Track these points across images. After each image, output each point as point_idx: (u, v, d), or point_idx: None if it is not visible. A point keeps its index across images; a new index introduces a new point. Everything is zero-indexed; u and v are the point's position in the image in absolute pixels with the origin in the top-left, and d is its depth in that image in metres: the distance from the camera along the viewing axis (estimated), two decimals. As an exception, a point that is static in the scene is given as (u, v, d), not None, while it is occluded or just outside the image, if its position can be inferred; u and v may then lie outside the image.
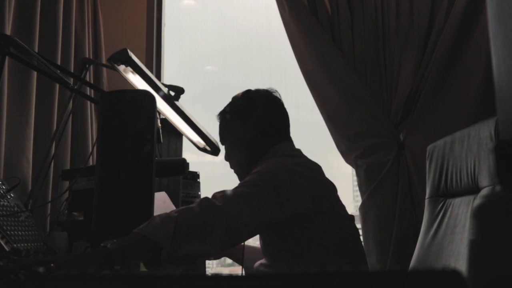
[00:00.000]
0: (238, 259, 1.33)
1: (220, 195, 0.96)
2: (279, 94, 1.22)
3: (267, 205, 0.99)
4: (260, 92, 1.21)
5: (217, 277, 0.34)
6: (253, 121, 1.16)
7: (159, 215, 0.91)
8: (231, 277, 0.34)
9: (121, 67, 1.14)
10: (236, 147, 1.19)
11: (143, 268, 0.96)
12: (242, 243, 1.17)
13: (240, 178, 1.20)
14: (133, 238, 0.87)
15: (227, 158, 1.23)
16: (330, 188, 1.11)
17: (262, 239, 1.12)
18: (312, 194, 1.03)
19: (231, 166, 1.23)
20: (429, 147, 1.14)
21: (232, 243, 1.03)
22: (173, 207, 1.37)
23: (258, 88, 1.22)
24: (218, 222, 0.92)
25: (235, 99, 1.21)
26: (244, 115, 1.16)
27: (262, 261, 1.12)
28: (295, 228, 1.02)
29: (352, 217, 1.13)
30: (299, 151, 1.18)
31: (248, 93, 1.20)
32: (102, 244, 0.87)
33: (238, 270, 1.50)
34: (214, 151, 1.45)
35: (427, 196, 1.13)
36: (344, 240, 1.07)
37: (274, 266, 1.07)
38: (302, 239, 1.03)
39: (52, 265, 0.77)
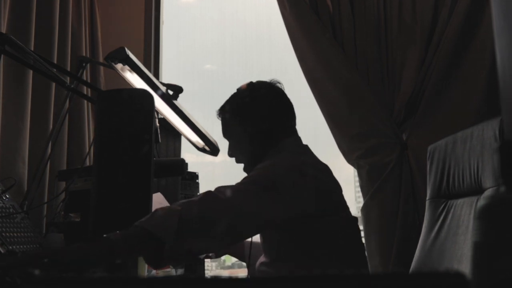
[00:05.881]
0: (239, 256, 1.32)
1: (224, 190, 0.94)
2: (283, 86, 1.19)
3: (269, 204, 0.97)
4: (265, 84, 1.18)
5: (216, 279, 0.34)
6: (260, 114, 1.13)
7: (162, 208, 0.87)
8: (230, 280, 0.34)
9: (119, 66, 1.13)
10: (243, 141, 1.15)
11: (141, 268, 0.94)
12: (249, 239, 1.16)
13: (247, 172, 1.18)
14: (134, 231, 0.83)
15: (232, 153, 1.20)
16: (335, 190, 1.10)
17: (263, 237, 1.11)
18: (317, 196, 1.01)
19: (237, 161, 1.19)
20: (430, 148, 1.14)
21: (235, 240, 1.02)
22: None
23: (260, 80, 1.19)
24: (221, 217, 0.90)
25: (239, 91, 1.18)
26: (251, 107, 1.13)
27: (262, 259, 1.11)
28: (297, 229, 1.01)
29: (355, 219, 1.12)
30: (306, 147, 1.16)
31: (253, 85, 1.17)
32: (104, 235, 0.83)
33: (237, 272, 1.49)
34: (213, 151, 1.43)
35: (428, 197, 1.13)
36: (345, 243, 1.05)
37: (275, 266, 1.06)
38: (303, 240, 1.02)
39: (60, 254, 0.74)
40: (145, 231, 0.82)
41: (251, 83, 1.18)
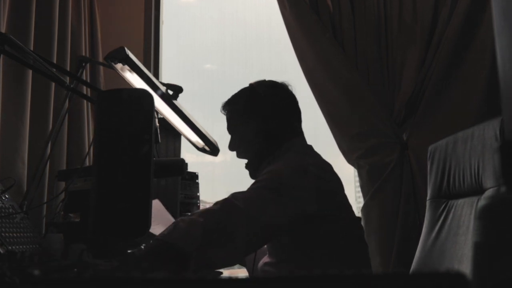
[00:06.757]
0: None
1: (240, 198, 0.94)
2: (293, 89, 1.19)
3: (281, 209, 0.97)
4: (276, 84, 1.18)
5: (216, 279, 0.34)
6: (268, 112, 1.12)
7: (182, 219, 0.88)
8: (230, 280, 0.34)
9: (119, 66, 1.12)
10: (247, 138, 1.15)
11: None
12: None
13: (250, 169, 1.17)
14: (157, 245, 0.83)
15: (233, 148, 1.19)
16: (340, 190, 1.10)
17: None
18: (322, 197, 1.01)
19: (238, 156, 1.19)
20: (431, 148, 1.13)
21: (254, 248, 1.02)
22: (168, 215, 1.35)
23: (271, 79, 1.19)
24: (241, 228, 0.90)
25: (250, 88, 1.17)
26: (260, 105, 1.13)
27: (266, 259, 1.11)
28: (302, 230, 1.01)
29: (359, 219, 1.12)
30: (311, 148, 1.16)
31: (264, 84, 1.17)
32: (128, 251, 0.83)
33: (237, 272, 1.48)
34: (213, 151, 1.43)
35: (428, 197, 1.12)
36: (350, 243, 1.06)
37: (279, 266, 1.06)
38: (308, 241, 1.02)
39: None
40: (168, 244, 0.82)
41: (263, 80, 1.18)
